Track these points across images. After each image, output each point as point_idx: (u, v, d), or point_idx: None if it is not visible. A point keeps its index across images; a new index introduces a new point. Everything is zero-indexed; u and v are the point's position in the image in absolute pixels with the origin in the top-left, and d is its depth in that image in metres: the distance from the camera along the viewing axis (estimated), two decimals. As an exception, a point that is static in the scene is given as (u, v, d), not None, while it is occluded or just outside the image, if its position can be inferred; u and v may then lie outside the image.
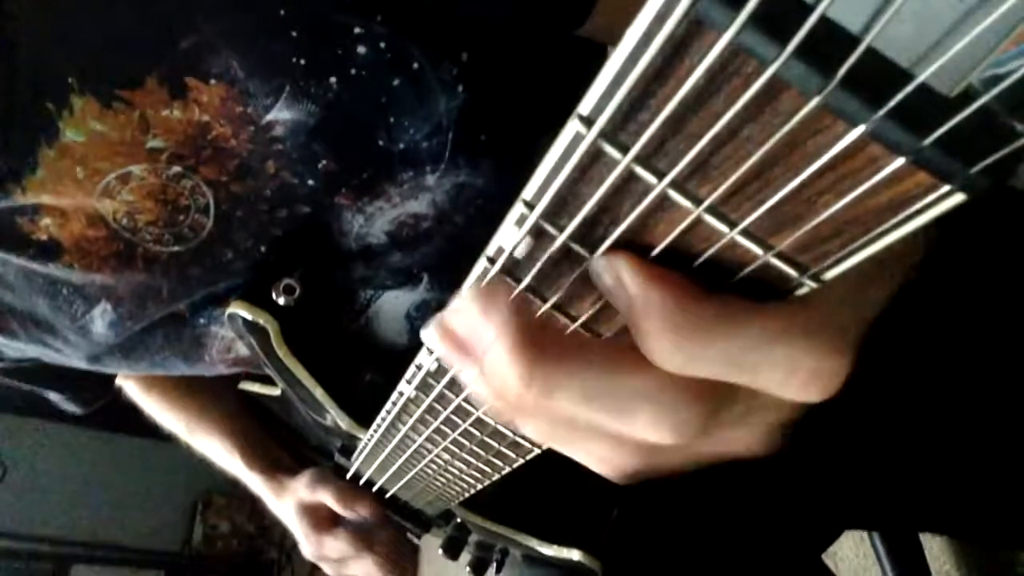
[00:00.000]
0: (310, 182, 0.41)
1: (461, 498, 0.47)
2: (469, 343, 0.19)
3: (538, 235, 0.20)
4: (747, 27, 0.13)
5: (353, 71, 0.37)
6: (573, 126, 0.17)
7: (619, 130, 0.16)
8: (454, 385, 0.30)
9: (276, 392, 0.59)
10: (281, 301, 0.43)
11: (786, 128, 0.14)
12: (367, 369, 0.50)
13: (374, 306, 0.48)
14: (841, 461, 0.58)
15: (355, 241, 0.44)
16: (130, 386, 0.71)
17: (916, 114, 0.13)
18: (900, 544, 0.96)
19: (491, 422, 0.31)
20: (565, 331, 0.20)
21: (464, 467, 0.39)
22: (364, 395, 0.48)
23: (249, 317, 0.43)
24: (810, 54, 0.13)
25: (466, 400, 0.31)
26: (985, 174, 0.13)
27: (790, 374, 0.18)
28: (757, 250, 0.17)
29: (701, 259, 0.18)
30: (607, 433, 0.20)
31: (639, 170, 0.17)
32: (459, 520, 0.57)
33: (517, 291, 0.22)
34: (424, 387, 0.33)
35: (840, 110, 0.13)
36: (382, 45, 0.37)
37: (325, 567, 0.65)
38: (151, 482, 2.72)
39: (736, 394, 0.19)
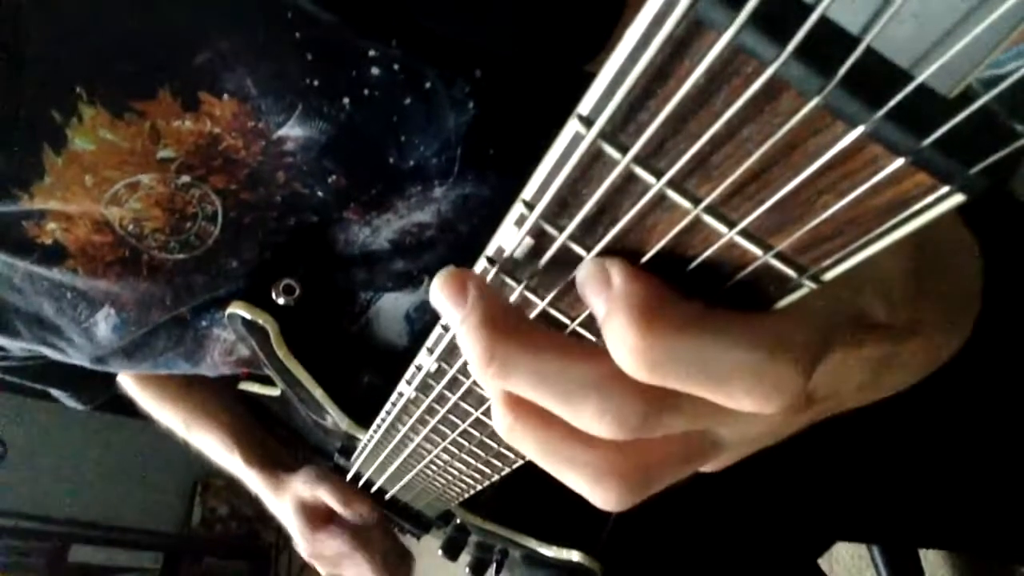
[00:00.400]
0: (320, 194, 0.41)
1: (461, 499, 0.47)
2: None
3: (538, 235, 0.20)
4: (747, 27, 0.13)
5: (366, 92, 0.38)
6: (573, 126, 0.17)
7: (619, 130, 0.16)
8: (454, 386, 0.30)
9: (276, 392, 0.59)
10: (281, 301, 0.43)
11: (786, 128, 0.14)
12: (367, 370, 0.50)
13: (374, 307, 0.48)
14: (838, 472, 0.58)
15: (359, 249, 0.44)
16: (127, 382, 0.71)
17: (916, 115, 0.13)
18: (896, 550, 0.96)
19: (491, 423, 0.31)
20: (530, 318, 0.21)
21: (464, 468, 0.39)
22: (364, 396, 0.48)
23: (249, 317, 0.43)
24: (810, 54, 0.13)
25: (465, 401, 0.31)
26: (985, 175, 0.13)
27: (757, 382, 0.18)
28: (756, 250, 0.17)
29: (693, 264, 0.18)
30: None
31: (639, 170, 0.17)
32: (459, 521, 0.57)
33: (517, 292, 0.23)
34: (424, 388, 0.33)
35: (840, 110, 0.13)
36: (396, 67, 0.37)
37: (319, 565, 0.65)
38: (151, 464, 2.74)
39: (681, 402, 0.20)
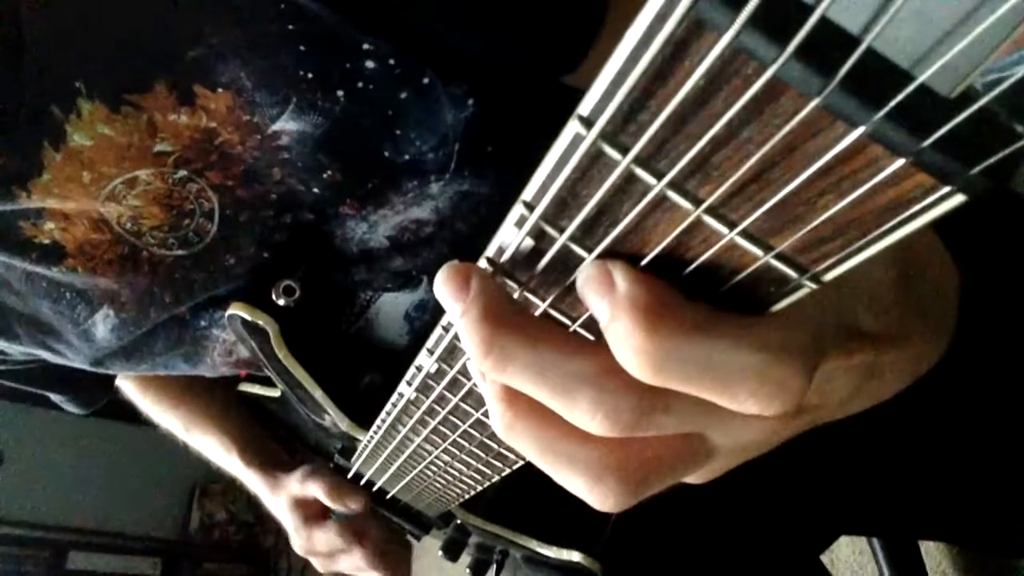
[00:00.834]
0: (315, 190, 0.41)
1: (461, 500, 0.47)
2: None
3: (538, 236, 0.20)
4: (747, 28, 0.13)
5: (361, 84, 0.37)
6: (573, 127, 0.17)
7: (619, 131, 0.16)
8: (454, 386, 0.30)
9: (276, 393, 0.59)
10: (281, 302, 0.43)
11: (786, 129, 0.14)
12: (367, 370, 0.50)
13: (374, 307, 0.48)
14: (840, 466, 0.58)
15: (356, 246, 0.44)
16: (127, 385, 0.71)
17: (916, 115, 0.13)
18: (898, 546, 0.96)
19: (490, 423, 0.31)
20: (531, 313, 0.21)
21: (464, 469, 0.39)
22: (364, 396, 0.48)
23: (249, 318, 0.43)
24: (810, 55, 0.13)
25: (466, 401, 0.30)
26: (985, 175, 0.13)
27: (762, 384, 0.18)
28: (757, 251, 0.17)
29: (692, 267, 0.18)
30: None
31: (639, 171, 0.17)
32: (459, 522, 0.57)
33: (517, 293, 0.23)
34: (424, 388, 0.33)
35: (840, 111, 0.13)
36: (391, 61, 0.37)
37: (314, 561, 0.65)
38: (148, 470, 2.73)
39: (675, 402, 0.20)
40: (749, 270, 0.18)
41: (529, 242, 0.21)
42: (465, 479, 0.41)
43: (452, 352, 0.28)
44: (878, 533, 0.91)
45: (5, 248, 0.40)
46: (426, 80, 0.38)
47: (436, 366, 0.30)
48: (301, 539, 0.62)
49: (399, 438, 0.42)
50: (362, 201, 0.42)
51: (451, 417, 0.33)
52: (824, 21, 0.12)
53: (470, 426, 0.32)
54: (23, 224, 0.40)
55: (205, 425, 0.69)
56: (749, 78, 0.14)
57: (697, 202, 0.17)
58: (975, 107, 0.13)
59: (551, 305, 0.22)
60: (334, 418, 0.49)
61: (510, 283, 0.23)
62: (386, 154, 0.40)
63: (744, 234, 0.17)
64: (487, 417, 0.30)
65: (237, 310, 0.44)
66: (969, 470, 0.54)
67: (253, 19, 0.36)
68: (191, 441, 0.71)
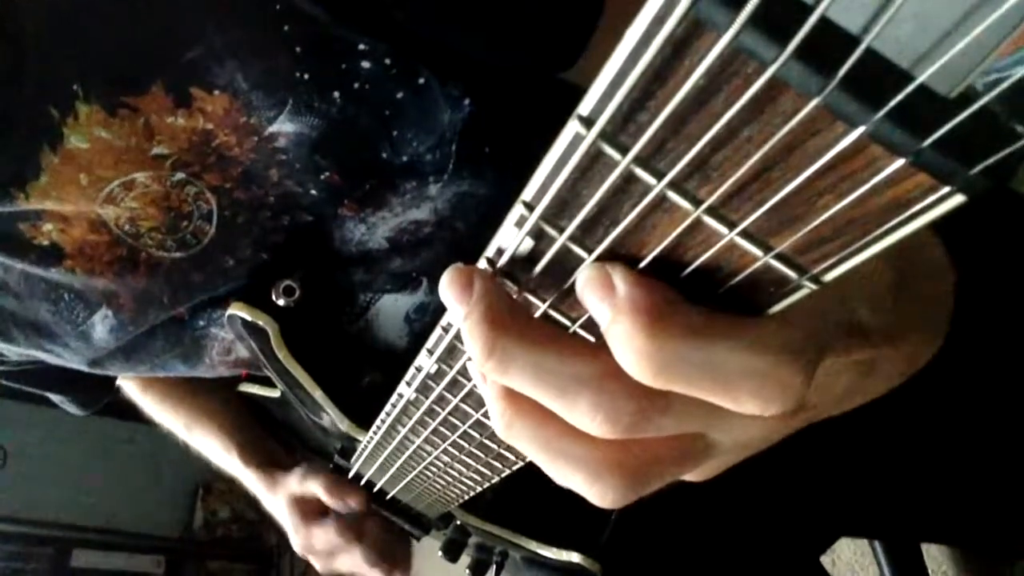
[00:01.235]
0: (313, 192, 0.41)
1: (461, 500, 0.47)
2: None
3: (538, 236, 0.20)
4: (747, 28, 0.13)
5: (357, 85, 0.37)
6: (573, 127, 0.17)
7: (619, 131, 0.16)
8: (454, 387, 0.30)
9: (275, 394, 0.59)
10: (281, 303, 0.43)
11: (786, 129, 0.14)
12: (367, 371, 0.50)
13: (374, 308, 0.48)
14: (840, 468, 0.58)
15: (356, 247, 0.44)
16: (129, 385, 0.71)
17: (916, 115, 0.13)
18: (899, 547, 0.96)
19: (491, 424, 0.31)
20: (533, 316, 0.22)
21: (464, 469, 0.39)
22: (363, 397, 0.48)
23: (249, 318, 0.43)
24: (810, 55, 0.13)
25: (465, 402, 0.30)
26: (985, 175, 0.13)
27: (763, 385, 0.18)
28: (756, 251, 0.17)
29: (691, 267, 0.18)
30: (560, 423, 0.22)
31: (639, 171, 0.17)
32: (459, 522, 0.57)
33: (517, 293, 0.23)
34: (423, 389, 0.33)
35: (840, 111, 0.13)
36: (387, 61, 0.37)
37: (313, 559, 0.65)
38: (153, 468, 2.73)
39: (674, 403, 0.20)
40: (747, 271, 0.18)
41: (529, 242, 0.21)
42: (465, 480, 0.41)
43: (452, 353, 0.28)
44: (879, 535, 0.91)
45: (4, 249, 0.40)
46: (422, 80, 0.38)
47: (436, 367, 0.30)
48: (300, 538, 0.62)
49: (399, 439, 0.42)
50: (360, 203, 0.42)
51: (451, 418, 0.33)
52: (824, 21, 0.12)
53: (470, 427, 0.32)
54: (22, 225, 0.40)
55: (205, 425, 0.69)
56: (749, 78, 0.14)
57: (697, 202, 0.17)
58: (975, 107, 0.13)
59: (551, 306, 0.22)
60: (334, 418, 0.49)
61: (509, 283, 0.23)
62: (384, 155, 0.40)
63: (744, 234, 0.17)
64: (487, 418, 0.30)
65: (237, 310, 0.44)
66: (970, 472, 0.54)
67: (250, 21, 0.36)
68: (192, 441, 0.71)
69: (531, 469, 0.34)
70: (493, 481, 0.39)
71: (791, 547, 0.64)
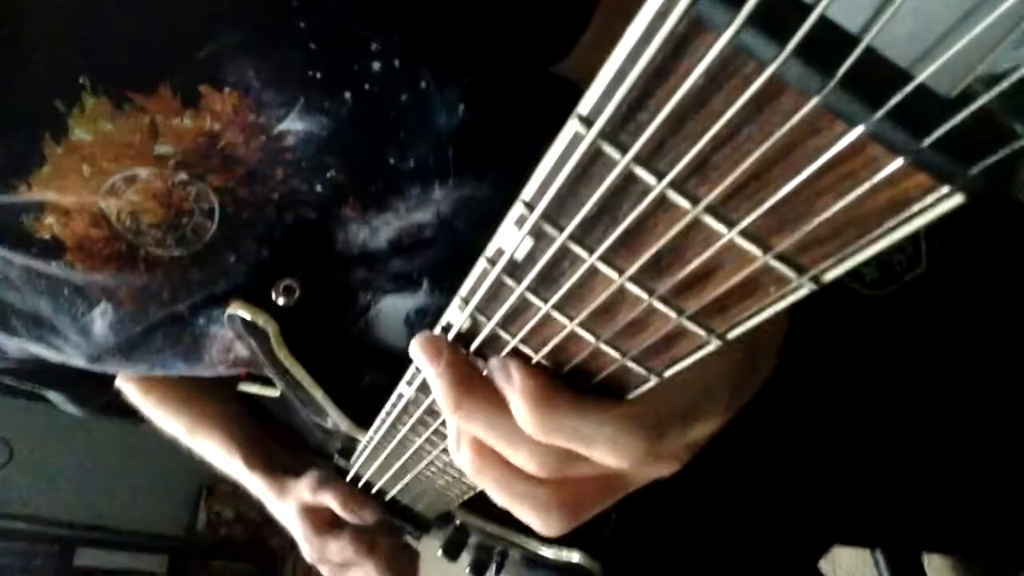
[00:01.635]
0: (318, 189, 0.41)
1: (461, 500, 0.47)
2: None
3: (538, 236, 0.21)
4: (746, 27, 0.13)
5: (367, 86, 0.38)
6: (572, 126, 0.17)
7: (618, 130, 0.16)
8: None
9: (275, 393, 0.59)
10: (281, 302, 0.43)
11: (785, 128, 0.14)
12: (367, 371, 0.50)
13: (374, 308, 0.48)
14: (840, 475, 0.58)
15: (357, 248, 0.44)
16: (129, 389, 0.71)
17: (915, 115, 0.13)
18: (900, 555, 0.96)
19: None
20: (483, 380, 0.27)
21: (463, 469, 0.39)
22: (364, 397, 0.48)
23: (249, 318, 0.43)
24: (809, 54, 0.13)
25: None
26: (985, 175, 0.13)
27: (610, 447, 0.25)
28: (756, 250, 0.17)
29: (571, 365, 0.25)
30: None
31: (638, 170, 0.17)
32: (459, 522, 0.57)
33: (517, 292, 0.23)
34: (423, 388, 0.33)
35: (839, 110, 0.13)
36: (396, 62, 0.37)
37: (324, 570, 0.65)
38: (156, 467, 2.73)
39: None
40: (609, 370, 0.24)
41: (529, 241, 0.21)
42: (465, 479, 0.41)
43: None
44: (880, 544, 0.91)
45: (5, 242, 0.41)
46: (423, 84, 0.38)
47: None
48: (313, 548, 0.62)
49: (399, 438, 0.42)
50: (365, 204, 0.42)
51: (451, 417, 0.33)
52: (823, 20, 0.12)
53: (470, 426, 0.32)
54: (24, 218, 0.40)
55: (208, 429, 0.69)
56: (749, 77, 0.14)
57: (696, 201, 0.17)
58: (974, 107, 0.13)
59: (551, 306, 0.22)
60: (334, 418, 0.49)
61: (510, 282, 0.23)
62: (391, 160, 0.40)
63: (744, 234, 0.17)
64: None
65: (237, 310, 0.44)
66: (971, 480, 0.54)
67: (265, 16, 0.36)
68: (194, 445, 0.71)
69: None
70: (493, 481, 0.39)
71: (790, 551, 0.64)
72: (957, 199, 0.14)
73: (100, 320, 0.45)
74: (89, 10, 0.35)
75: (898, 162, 0.14)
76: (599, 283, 0.21)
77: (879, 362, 0.54)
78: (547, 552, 0.52)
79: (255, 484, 0.66)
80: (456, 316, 0.27)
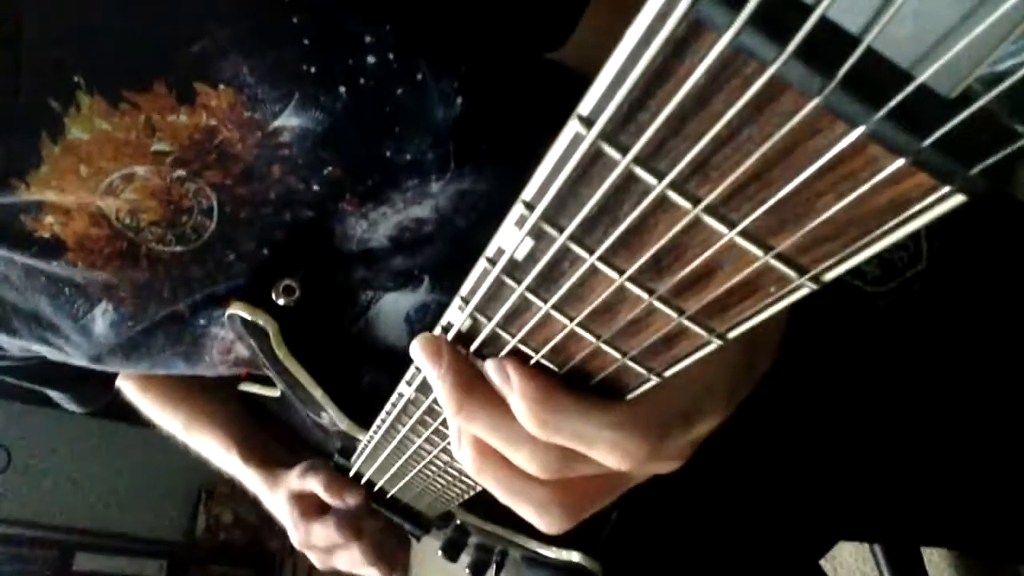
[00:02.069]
0: (315, 187, 0.41)
1: (461, 500, 0.47)
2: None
3: (538, 236, 0.21)
4: (747, 28, 0.13)
5: (362, 80, 0.38)
6: (573, 126, 0.17)
7: (619, 131, 0.16)
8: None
9: (276, 393, 0.59)
10: (281, 302, 0.43)
11: (786, 129, 0.14)
12: (367, 370, 0.50)
13: (374, 308, 0.48)
14: (840, 471, 0.58)
15: (357, 244, 0.44)
16: (128, 387, 0.71)
17: (916, 115, 0.13)
18: (900, 552, 0.96)
19: None
20: (484, 381, 0.27)
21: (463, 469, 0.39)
22: (364, 396, 0.48)
23: (249, 318, 0.43)
24: (810, 55, 0.13)
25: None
26: (985, 175, 0.13)
27: (611, 449, 0.25)
28: (756, 251, 0.17)
29: (569, 366, 0.25)
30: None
31: (639, 171, 0.17)
32: (459, 522, 0.57)
33: (517, 292, 0.23)
34: (423, 388, 0.33)
35: (840, 111, 0.13)
36: (390, 56, 0.37)
37: (311, 555, 0.65)
38: (155, 471, 2.73)
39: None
40: (609, 370, 0.24)
41: (529, 242, 0.21)
42: (465, 479, 0.41)
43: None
44: (880, 539, 0.91)
45: (5, 241, 0.41)
46: (420, 76, 0.38)
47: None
48: (299, 533, 0.62)
49: (399, 438, 0.42)
50: (362, 198, 0.42)
51: (451, 417, 0.33)
52: (824, 21, 0.12)
53: (470, 426, 0.32)
54: (24, 218, 0.40)
55: (205, 425, 0.69)
56: (749, 78, 0.14)
57: (697, 201, 0.17)
58: (975, 107, 0.13)
59: (551, 306, 0.22)
60: (334, 418, 0.49)
61: (510, 282, 0.23)
62: (387, 154, 0.40)
63: (744, 234, 0.17)
64: None
65: (237, 310, 0.44)
66: (971, 474, 0.54)
67: (258, 12, 0.36)
68: (191, 442, 0.71)
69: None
70: (493, 480, 0.39)
71: (791, 549, 0.64)
72: (958, 199, 0.14)
73: (101, 320, 0.45)
74: (82, 9, 0.35)
75: (899, 162, 0.14)
76: (599, 283, 0.21)
77: (880, 358, 0.54)
78: (547, 552, 0.52)
79: (250, 478, 0.67)
80: (456, 316, 0.27)
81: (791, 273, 0.17)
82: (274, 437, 0.68)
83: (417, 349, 0.28)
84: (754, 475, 0.59)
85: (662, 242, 0.18)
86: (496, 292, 0.24)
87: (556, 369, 0.25)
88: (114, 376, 0.66)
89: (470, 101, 0.40)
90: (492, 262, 0.23)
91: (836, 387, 0.55)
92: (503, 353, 0.26)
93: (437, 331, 0.28)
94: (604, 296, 0.21)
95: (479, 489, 0.42)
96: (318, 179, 0.40)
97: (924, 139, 0.13)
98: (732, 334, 0.20)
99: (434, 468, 0.43)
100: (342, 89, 0.37)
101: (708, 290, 0.19)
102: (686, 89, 0.14)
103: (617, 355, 0.23)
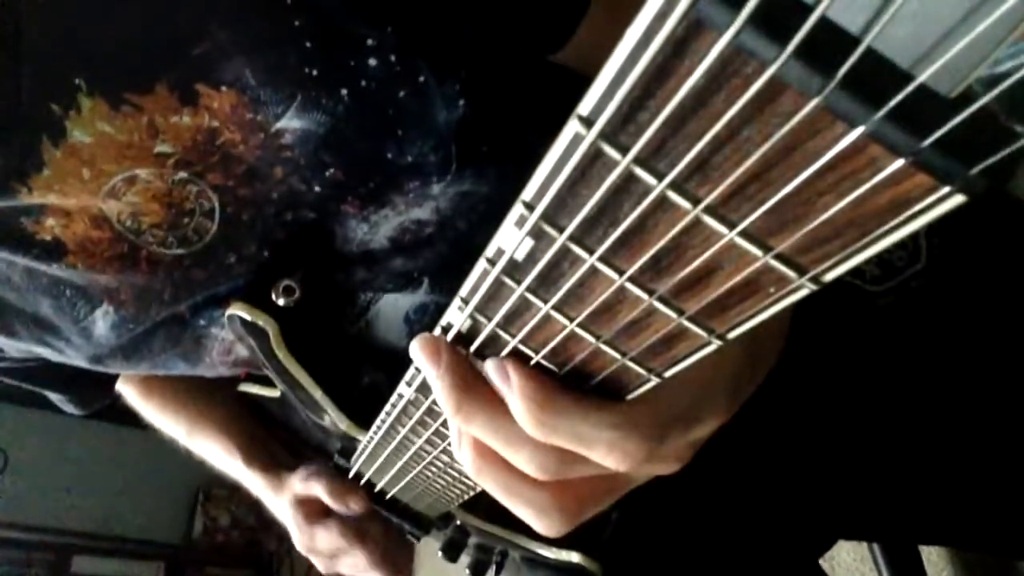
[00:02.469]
0: (317, 188, 0.41)
1: (461, 500, 0.47)
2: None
3: (538, 236, 0.20)
4: (747, 28, 0.13)
5: (364, 83, 0.38)
6: (573, 127, 0.17)
7: (619, 131, 0.16)
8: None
9: (276, 394, 0.59)
10: (281, 302, 0.43)
11: (786, 129, 0.14)
12: (366, 371, 0.50)
13: (374, 308, 0.48)
14: (839, 470, 0.58)
15: (357, 246, 0.44)
16: (129, 392, 0.71)
17: (916, 115, 0.13)
18: (898, 550, 0.96)
19: None
20: (484, 382, 0.27)
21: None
22: (364, 397, 0.48)
23: (249, 318, 0.43)
24: (810, 55, 0.13)
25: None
26: (985, 175, 0.13)
27: (609, 450, 0.25)
28: (756, 251, 0.17)
29: (569, 366, 0.25)
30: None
31: (639, 171, 0.17)
32: (458, 522, 0.57)
33: (517, 293, 0.23)
34: (423, 389, 0.33)
35: (840, 111, 0.13)
36: (392, 58, 0.37)
37: (316, 560, 0.65)
38: (152, 474, 2.73)
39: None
40: (609, 371, 0.24)
41: (529, 242, 0.21)
42: (465, 480, 0.41)
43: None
44: (878, 538, 0.91)
45: (6, 244, 0.41)
46: (422, 78, 0.38)
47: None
48: (303, 538, 0.62)
49: (399, 439, 0.42)
50: (363, 200, 0.42)
51: (451, 417, 0.33)
52: (824, 21, 0.12)
53: (470, 426, 0.32)
54: (24, 220, 0.40)
55: (207, 430, 0.69)
56: (749, 78, 0.14)
57: (697, 202, 0.17)
58: (975, 107, 0.13)
59: (551, 306, 0.22)
60: (334, 418, 0.49)
61: (510, 282, 0.23)
62: (389, 155, 0.40)
63: (744, 234, 0.17)
64: None
65: (237, 310, 0.44)
66: (969, 472, 0.54)
67: (260, 15, 0.36)
68: (194, 447, 0.71)
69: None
70: (493, 481, 0.39)
71: (791, 549, 0.64)
72: (958, 199, 0.14)
73: (101, 321, 0.45)
74: (82, 11, 0.35)
75: (899, 163, 0.14)
76: (599, 284, 0.21)
77: (880, 357, 0.54)
78: (547, 552, 0.52)
79: (254, 482, 0.66)
80: (456, 316, 0.27)
81: (791, 273, 0.17)
82: (274, 438, 0.68)
83: (416, 349, 0.28)
84: (753, 474, 0.59)
85: (662, 242, 0.18)
86: (496, 292, 0.24)
87: (556, 370, 0.25)
88: (114, 378, 0.66)
89: (472, 104, 0.40)
90: (492, 262, 0.23)
91: (835, 386, 0.55)
92: (503, 354, 0.26)
93: (437, 331, 0.28)
94: (604, 296, 0.21)
95: (479, 490, 0.42)
96: (320, 181, 0.40)
97: (924, 139, 0.13)
98: (732, 335, 0.20)
99: (434, 469, 0.43)
100: (344, 91, 0.37)
101: (708, 290, 0.19)
102: (686, 89, 0.14)
103: (617, 355, 0.23)
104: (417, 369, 0.32)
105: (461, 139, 0.40)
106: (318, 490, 0.59)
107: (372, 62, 0.37)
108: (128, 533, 2.77)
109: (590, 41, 0.42)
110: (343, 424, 0.49)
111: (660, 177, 0.17)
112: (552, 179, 0.18)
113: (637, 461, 0.26)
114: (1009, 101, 0.12)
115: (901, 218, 0.15)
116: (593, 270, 0.20)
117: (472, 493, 0.44)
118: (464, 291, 0.25)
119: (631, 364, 0.23)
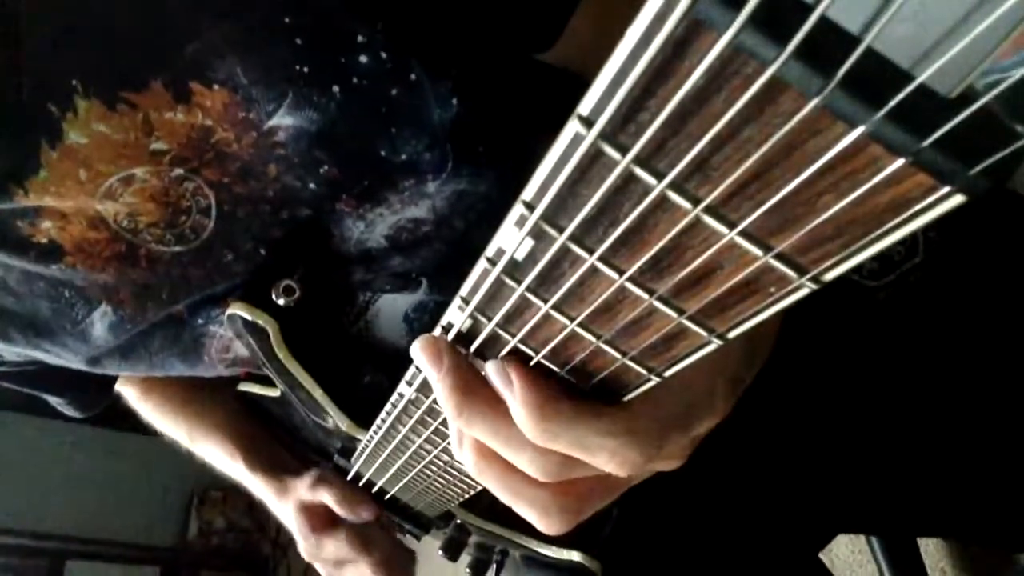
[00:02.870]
0: (312, 186, 0.41)
1: (461, 500, 0.47)
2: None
3: (538, 236, 0.20)
4: (747, 28, 0.13)
5: (355, 80, 0.38)
6: (573, 127, 0.17)
7: (619, 131, 0.16)
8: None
9: (275, 393, 0.59)
10: (281, 302, 0.43)
11: (786, 129, 0.14)
12: (367, 370, 0.50)
13: (373, 308, 0.48)
14: (838, 464, 0.58)
15: (355, 246, 0.44)
16: (129, 393, 0.70)
17: (916, 115, 0.13)
18: (896, 543, 0.96)
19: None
20: (485, 384, 0.27)
21: (464, 469, 0.39)
22: (364, 396, 0.48)
23: (249, 318, 0.43)
24: (810, 55, 0.13)
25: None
26: (985, 175, 0.13)
27: (610, 457, 0.26)
28: (756, 251, 0.17)
29: (567, 367, 0.25)
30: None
31: (639, 171, 0.17)
32: (459, 521, 0.57)
33: (517, 293, 0.23)
34: (423, 388, 0.33)
35: (840, 111, 0.13)
36: (383, 55, 0.37)
37: (320, 568, 0.65)
38: (146, 477, 2.72)
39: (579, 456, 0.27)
40: (609, 370, 0.24)
41: (529, 242, 0.21)
42: (465, 479, 0.42)
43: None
44: (877, 531, 0.91)
45: (3, 247, 0.40)
46: (413, 76, 0.38)
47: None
48: (309, 546, 0.62)
49: (399, 438, 0.42)
50: (359, 198, 0.42)
51: (451, 417, 0.33)
52: (824, 21, 0.12)
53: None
54: (21, 223, 0.40)
55: (209, 433, 0.69)
56: (749, 78, 0.14)
57: (697, 202, 0.17)
58: (975, 107, 0.13)
59: (551, 306, 0.22)
60: (334, 418, 0.49)
61: (510, 282, 0.23)
62: (382, 153, 0.40)
63: (744, 234, 0.17)
64: None
65: (237, 310, 0.44)
66: (967, 464, 0.54)
67: (250, 13, 0.36)
68: (195, 449, 0.71)
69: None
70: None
71: (791, 544, 0.64)
72: (958, 199, 0.14)
73: (99, 322, 0.45)
74: (79, 13, 0.35)
75: (899, 162, 0.14)
76: (599, 283, 0.21)
77: (877, 351, 0.54)
78: (547, 551, 0.52)
79: (256, 485, 0.66)
80: (456, 316, 0.27)
81: (791, 273, 0.17)
82: (274, 438, 0.68)
83: (418, 351, 0.28)
84: (752, 469, 0.59)
85: (662, 242, 0.18)
86: (496, 292, 0.24)
87: (556, 369, 0.25)
88: (113, 380, 0.66)
89: (466, 103, 0.40)
90: (492, 262, 0.23)
91: (834, 381, 0.55)
92: (503, 353, 0.26)
93: (437, 331, 0.28)
94: (604, 296, 0.21)
95: (479, 489, 0.42)
96: (315, 178, 0.40)
97: (924, 139, 0.13)
98: (732, 334, 0.20)
99: (434, 468, 0.43)
100: (335, 88, 0.37)
101: (708, 290, 0.19)
102: (686, 89, 0.14)
103: (617, 355, 0.23)
104: (418, 368, 0.32)
105: (456, 138, 0.40)
106: (326, 497, 0.59)
107: (363, 59, 0.37)
108: (123, 537, 2.76)
109: (588, 40, 0.42)
110: (344, 424, 0.49)
111: (660, 177, 0.17)
112: (552, 179, 0.18)
113: (637, 466, 0.26)
114: (1009, 101, 0.12)
115: (901, 218, 0.15)
116: (593, 270, 0.20)
117: (472, 492, 0.44)
118: (464, 291, 0.25)
119: (631, 363, 0.23)
